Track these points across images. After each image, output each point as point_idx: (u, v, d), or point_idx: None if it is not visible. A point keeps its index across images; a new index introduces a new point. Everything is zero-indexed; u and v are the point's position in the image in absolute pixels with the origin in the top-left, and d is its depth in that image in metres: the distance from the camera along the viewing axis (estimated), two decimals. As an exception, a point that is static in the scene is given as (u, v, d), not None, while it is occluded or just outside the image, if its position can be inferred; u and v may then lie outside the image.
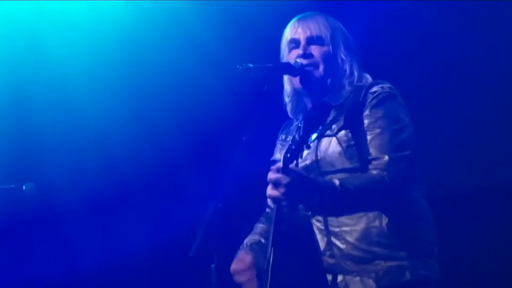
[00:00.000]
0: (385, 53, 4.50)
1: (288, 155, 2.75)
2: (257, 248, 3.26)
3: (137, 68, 5.13)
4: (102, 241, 5.28)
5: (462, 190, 4.57)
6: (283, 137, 3.44)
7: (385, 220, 3.03)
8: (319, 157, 3.07)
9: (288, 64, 3.20)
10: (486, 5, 4.39)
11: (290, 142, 2.79)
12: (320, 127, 2.90)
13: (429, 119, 4.10)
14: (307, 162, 3.13)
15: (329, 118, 3.05)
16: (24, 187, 4.03)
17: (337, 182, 2.83)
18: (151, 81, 5.18)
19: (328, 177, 3.00)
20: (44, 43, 5.02)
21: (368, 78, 3.26)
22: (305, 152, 3.00)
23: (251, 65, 3.09)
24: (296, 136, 2.74)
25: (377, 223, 3.04)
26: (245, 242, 3.34)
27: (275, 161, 3.38)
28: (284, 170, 2.73)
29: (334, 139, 3.05)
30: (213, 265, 2.89)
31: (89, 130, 5.21)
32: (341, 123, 3.01)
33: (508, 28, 4.42)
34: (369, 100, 3.07)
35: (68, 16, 4.98)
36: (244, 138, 2.99)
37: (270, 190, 2.78)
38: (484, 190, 4.51)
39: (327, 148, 3.07)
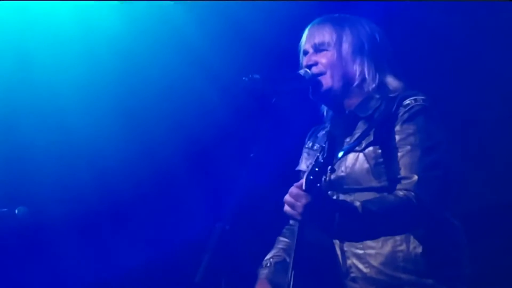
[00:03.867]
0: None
1: (311, 177, 2.61)
2: (281, 268, 3.14)
3: (130, 78, 5.00)
4: (97, 265, 5.16)
5: (496, 205, 4.39)
6: (310, 144, 3.29)
7: (412, 244, 2.92)
8: (344, 173, 2.95)
9: (297, 74, 3.07)
10: (500, 6, 4.23)
11: (313, 163, 2.63)
12: (348, 139, 2.78)
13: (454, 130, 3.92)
14: (331, 177, 2.99)
15: (358, 131, 2.92)
16: (16, 211, 3.98)
17: (358, 204, 2.71)
18: (144, 91, 5.03)
19: (352, 196, 2.90)
20: (31, 52, 4.88)
21: (396, 84, 3.07)
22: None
23: (257, 76, 2.94)
24: (320, 158, 2.57)
25: (404, 247, 2.92)
26: (267, 258, 3.23)
27: (300, 172, 3.26)
28: (305, 190, 2.62)
29: (361, 155, 2.91)
30: (220, 292, 2.78)
31: (81, 147, 5.08)
32: (371, 138, 2.88)
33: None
34: (401, 114, 2.92)
35: (56, 22, 4.83)
36: (251, 155, 2.84)
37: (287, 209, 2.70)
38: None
39: (353, 164, 2.94)
